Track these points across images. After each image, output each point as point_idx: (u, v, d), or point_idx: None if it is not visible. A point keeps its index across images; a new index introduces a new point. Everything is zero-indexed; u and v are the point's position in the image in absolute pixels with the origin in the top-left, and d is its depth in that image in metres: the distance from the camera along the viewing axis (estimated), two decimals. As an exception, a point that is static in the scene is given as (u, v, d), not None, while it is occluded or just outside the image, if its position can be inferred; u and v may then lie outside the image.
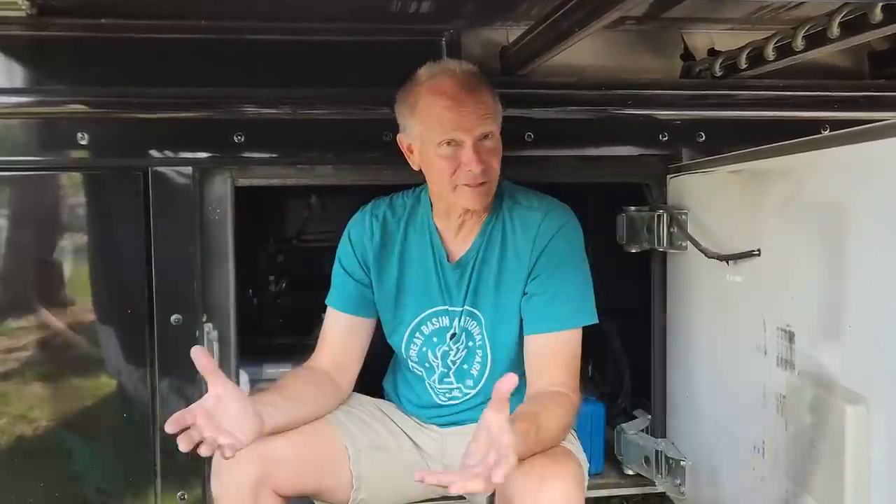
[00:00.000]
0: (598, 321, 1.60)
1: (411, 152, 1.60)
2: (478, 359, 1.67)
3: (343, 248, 1.71)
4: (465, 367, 1.68)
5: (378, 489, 1.63)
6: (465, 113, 1.51)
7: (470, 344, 1.67)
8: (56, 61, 1.77)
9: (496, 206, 1.64)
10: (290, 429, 1.50)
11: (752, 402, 1.51)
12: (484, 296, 1.64)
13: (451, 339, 1.67)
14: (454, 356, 1.68)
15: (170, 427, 1.23)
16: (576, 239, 1.63)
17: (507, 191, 1.67)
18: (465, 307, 1.65)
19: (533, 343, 1.57)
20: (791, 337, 1.37)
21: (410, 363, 1.73)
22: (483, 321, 1.65)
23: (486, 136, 1.53)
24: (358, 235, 1.69)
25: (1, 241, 1.78)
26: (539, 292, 1.58)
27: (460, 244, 1.66)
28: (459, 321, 1.66)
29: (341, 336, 1.68)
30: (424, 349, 1.68)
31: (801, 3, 1.80)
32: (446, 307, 1.66)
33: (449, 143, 1.52)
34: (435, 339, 1.68)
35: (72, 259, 1.80)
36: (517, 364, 1.63)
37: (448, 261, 1.66)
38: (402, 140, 1.62)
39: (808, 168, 1.31)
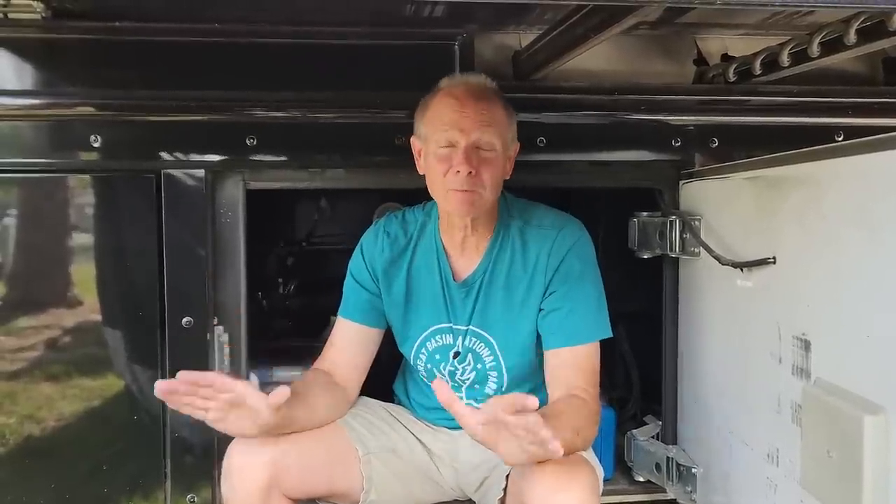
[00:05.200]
0: (612, 335, 1.60)
1: (419, 155, 1.62)
2: (493, 379, 1.67)
3: (355, 261, 1.73)
4: (478, 387, 1.68)
5: (388, 491, 1.63)
6: (465, 115, 1.52)
7: (479, 366, 1.66)
8: (70, 64, 1.77)
9: (503, 226, 1.64)
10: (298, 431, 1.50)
11: (765, 410, 1.50)
12: (493, 318, 1.63)
13: (454, 357, 1.66)
14: (461, 375, 1.67)
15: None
16: (589, 254, 1.63)
17: (517, 210, 1.66)
18: (470, 327, 1.64)
19: (552, 358, 1.56)
20: (807, 345, 1.36)
21: (420, 375, 1.73)
22: (494, 343, 1.64)
23: (483, 146, 1.52)
24: (369, 248, 1.71)
25: (14, 243, 1.79)
26: (556, 308, 1.57)
27: (466, 263, 1.65)
28: (464, 340, 1.65)
29: (351, 344, 1.68)
30: (429, 366, 1.69)
31: (815, 9, 1.79)
32: (450, 325, 1.66)
33: (447, 146, 1.53)
34: (438, 357, 1.68)
35: (83, 261, 1.81)
36: (534, 381, 1.63)
37: (454, 279, 1.65)
38: (414, 143, 1.63)
39: (827, 176, 1.29)
